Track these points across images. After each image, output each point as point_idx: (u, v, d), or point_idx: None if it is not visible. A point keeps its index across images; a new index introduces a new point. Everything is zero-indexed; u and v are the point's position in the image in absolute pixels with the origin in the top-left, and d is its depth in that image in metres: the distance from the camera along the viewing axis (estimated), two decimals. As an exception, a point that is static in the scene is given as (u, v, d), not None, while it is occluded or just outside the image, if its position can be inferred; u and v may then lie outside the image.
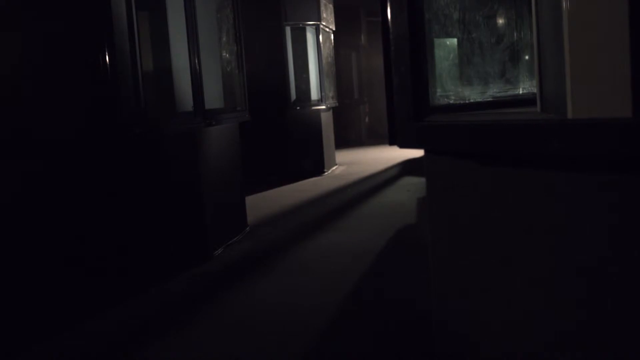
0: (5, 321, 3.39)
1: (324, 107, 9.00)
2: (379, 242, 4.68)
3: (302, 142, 8.74)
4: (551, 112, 1.62)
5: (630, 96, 1.18)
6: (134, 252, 3.87)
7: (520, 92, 2.29)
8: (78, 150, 3.64)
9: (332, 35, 9.87)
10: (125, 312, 3.47)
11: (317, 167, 8.84)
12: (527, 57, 2.33)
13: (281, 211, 6.27)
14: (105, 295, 3.65)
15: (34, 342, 3.10)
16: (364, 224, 5.41)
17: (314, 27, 8.95)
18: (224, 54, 5.27)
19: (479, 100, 2.21)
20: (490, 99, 2.23)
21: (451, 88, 2.26)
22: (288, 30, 8.72)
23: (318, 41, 9.02)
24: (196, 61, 4.48)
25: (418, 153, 9.48)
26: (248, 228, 5.41)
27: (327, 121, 9.25)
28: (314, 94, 9.16)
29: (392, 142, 1.67)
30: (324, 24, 9.05)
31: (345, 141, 13.04)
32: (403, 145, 1.64)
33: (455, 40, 2.26)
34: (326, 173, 8.89)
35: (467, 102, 2.20)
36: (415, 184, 7.38)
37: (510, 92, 2.28)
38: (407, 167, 9.07)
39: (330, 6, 9.64)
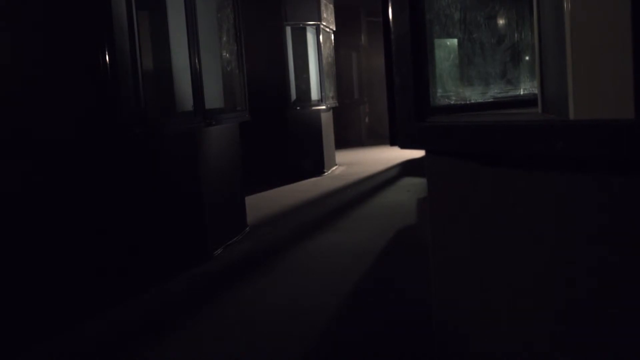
0: (5, 321, 3.38)
1: (324, 107, 8.99)
2: (379, 243, 4.68)
3: (302, 142, 8.74)
4: (552, 113, 1.62)
5: (633, 97, 1.17)
6: (133, 252, 3.87)
7: (521, 92, 2.29)
8: (78, 150, 3.64)
9: (332, 36, 9.87)
10: (125, 312, 3.47)
11: (317, 167, 8.84)
12: (527, 58, 2.33)
13: (281, 211, 6.26)
14: (105, 295, 3.65)
15: (34, 342, 3.09)
16: (364, 224, 5.41)
17: (314, 27, 8.95)
18: (224, 54, 5.27)
19: (480, 101, 2.21)
20: (491, 100, 2.22)
21: (452, 89, 2.25)
22: (288, 30, 8.72)
23: (318, 41, 9.02)
24: (196, 61, 4.47)
25: (418, 154, 9.49)
26: (248, 228, 5.41)
27: (327, 121, 9.25)
28: (314, 94, 9.16)
29: (393, 143, 1.66)
30: (324, 24, 9.04)
31: (345, 141, 13.04)
32: (404, 145, 1.63)
33: (455, 41, 2.25)
34: (326, 173, 8.89)
35: (467, 102, 2.19)
36: (415, 185, 7.38)
37: (511, 93, 2.28)
38: (407, 168, 9.07)
39: (331, 6, 9.64)
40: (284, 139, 8.64)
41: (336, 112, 10.25)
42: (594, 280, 1.43)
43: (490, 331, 1.76)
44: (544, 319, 1.58)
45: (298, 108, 8.73)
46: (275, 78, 8.55)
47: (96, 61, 3.54)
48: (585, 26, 1.34)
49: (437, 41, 2.18)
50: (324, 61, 9.09)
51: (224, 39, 5.26)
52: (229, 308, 3.45)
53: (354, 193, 7.17)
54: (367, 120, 14.57)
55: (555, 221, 1.49)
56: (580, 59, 1.35)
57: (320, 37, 9.00)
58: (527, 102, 2.18)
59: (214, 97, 4.97)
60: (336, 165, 9.73)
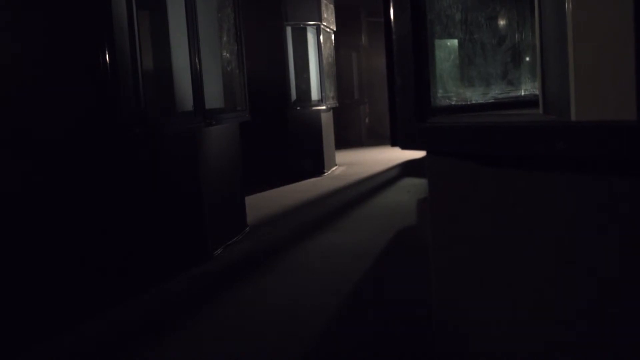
0: (5, 321, 3.38)
1: (324, 107, 8.99)
2: (379, 243, 4.67)
3: (302, 142, 8.73)
4: (554, 114, 1.62)
5: (635, 98, 1.17)
6: (133, 252, 3.86)
7: (522, 93, 2.28)
8: (78, 150, 3.63)
9: (332, 36, 9.87)
10: (125, 312, 3.46)
11: (317, 168, 8.83)
12: (527, 59, 2.33)
13: (281, 211, 6.26)
14: (105, 295, 3.65)
15: (34, 342, 3.09)
16: (364, 224, 5.41)
17: (314, 27, 8.95)
18: (225, 54, 5.27)
19: (481, 101, 2.20)
20: (492, 101, 2.22)
21: (453, 89, 2.25)
22: (289, 30, 8.71)
23: (319, 41, 9.01)
24: (196, 60, 4.47)
25: (418, 154, 9.49)
26: (248, 228, 5.41)
27: (327, 121, 9.24)
28: (314, 94, 9.16)
29: (394, 143, 1.66)
30: (324, 24, 9.04)
31: (345, 141, 13.04)
32: (405, 146, 1.63)
33: (456, 41, 2.25)
34: (326, 173, 8.89)
35: (468, 103, 2.19)
36: (415, 185, 7.37)
37: (512, 94, 2.28)
38: (407, 168, 9.07)
39: (331, 6, 9.64)
40: (284, 139, 8.64)
41: (336, 112, 10.25)
42: (594, 281, 1.43)
43: (491, 331, 1.76)
44: (544, 319, 1.57)
45: (298, 108, 8.73)
46: (276, 78, 8.55)
47: (96, 61, 3.54)
48: (587, 27, 1.34)
49: (437, 42, 2.18)
50: (324, 61, 9.08)
51: (224, 38, 5.26)
52: (229, 308, 3.45)
53: (354, 193, 7.16)
54: (367, 120, 14.56)
55: (556, 222, 1.49)
56: (582, 59, 1.35)
57: (321, 37, 8.99)
58: (528, 102, 2.18)
59: (214, 97, 4.97)
60: (336, 165, 9.73)
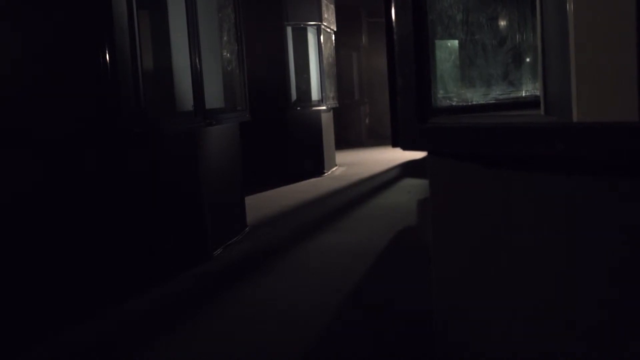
0: (5, 321, 3.37)
1: (324, 107, 8.98)
2: (379, 243, 4.67)
3: (302, 142, 8.73)
4: (555, 115, 1.61)
5: (637, 99, 1.17)
6: (133, 252, 3.86)
7: (523, 94, 2.28)
8: (78, 150, 3.63)
9: (333, 36, 9.86)
10: (125, 312, 3.46)
11: (317, 168, 8.83)
12: (528, 60, 2.32)
13: (281, 212, 6.26)
14: (105, 295, 3.64)
15: (34, 342, 3.08)
16: (364, 225, 5.40)
17: (315, 27, 8.94)
18: (225, 54, 5.26)
19: (482, 102, 2.20)
20: (493, 101, 2.22)
21: (453, 90, 2.25)
22: (289, 30, 8.71)
23: (319, 41, 9.01)
24: (197, 60, 4.46)
25: (418, 155, 9.49)
26: (248, 228, 5.40)
27: (327, 122, 9.24)
28: (315, 95, 9.15)
29: (395, 144, 1.66)
30: (325, 24, 9.03)
31: (345, 142, 13.04)
32: (406, 147, 1.63)
33: (456, 42, 2.25)
34: (326, 174, 8.88)
35: (469, 104, 2.19)
36: (415, 186, 7.37)
37: (513, 95, 2.27)
38: (407, 169, 9.07)
39: (332, 6, 9.63)
40: (284, 140, 8.63)
41: (336, 112, 10.25)
42: (596, 282, 1.42)
43: (491, 332, 1.76)
44: (545, 320, 1.57)
45: (298, 108, 8.72)
46: (276, 78, 8.54)
47: (96, 61, 3.53)
48: (589, 27, 1.34)
49: (438, 42, 2.17)
50: (325, 61, 9.07)
51: (225, 38, 5.25)
52: (229, 308, 3.44)
53: (354, 194, 7.16)
54: (367, 120, 14.56)
55: (557, 223, 1.49)
56: (584, 60, 1.35)
57: (321, 37, 8.99)
58: (529, 103, 2.17)
59: (214, 97, 4.96)
60: (336, 165, 9.72)
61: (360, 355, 2.75)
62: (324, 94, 9.01)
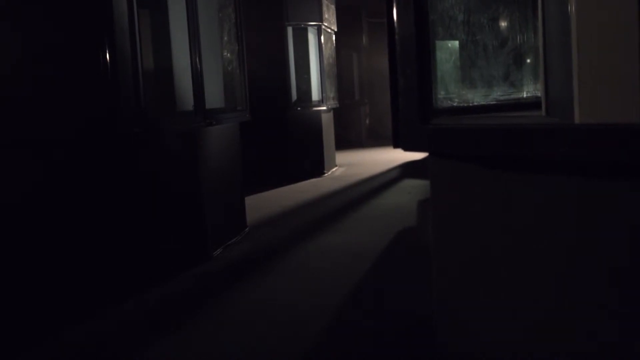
0: (4, 321, 3.37)
1: (324, 108, 8.98)
2: (379, 244, 4.66)
3: (303, 142, 8.72)
4: (557, 116, 1.61)
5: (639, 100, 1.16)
6: (133, 252, 3.85)
7: (524, 95, 2.27)
8: (78, 150, 3.62)
9: (333, 36, 9.86)
10: (125, 312, 3.45)
11: (317, 168, 8.82)
12: (528, 61, 2.32)
13: (281, 212, 6.25)
14: (105, 295, 3.63)
15: (34, 341, 3.08)
16: (365, 225, 5.39)
17: (315, 27, 8.94)
18: (225, 54, 5.25)
19: (483, 103, 2.20)
20: (494, 102, 2.21)
21: (454, 91, 2.24)
22: (290, 30, 8.70)
23: (320, 42, 9.00)
24: (197, 60, 4.46)
25: (418, 155, 9.48)
26: (247, 229, 5.40)
27: (327, 122, 9.23)
28: (315, 95, 9.14)
29: (396, 145, 1.65)
30: (325, 24, 9.03)
31: (345, 142, 13.03)
32: (408, 148, 1.62)
33: (457, 43, 2.24)
34: (326, 174, 8.87)
35: (470, 105, 2.18)
36: (415, 187, 7.36)
37: (514, 96, 2.27)
38: (407, 169, 9.06)
39: (332, 7, 9.63)
40: (284, 140, 8.62)
41: (336, 112, 10.24)
42: (598, 284, 1.42)
43: (492, 333, 1.75)
44: (546, 322, 1.56)
45: (299, 108, 8.72)
46: (276, 78, 8.53)
47: (96, 61, 3.53)
48: (592, 28, 1.33)
49: (439, 43, 2.17)
50: (325, 62, 9.07)
51: (225, 38, 5.25)
52: (229, 308, 3.44)
53: (354, 194, 7.15)
54: (367, 121, 14.55)
55: (558, 224, 1.48)
56: (586, 61, 1.34)
57: (322, 37, 8.98)
58: (530, 104, 2.17)
59: (214, 96, 4.95)
60: (336, 166, 9.72)
61: (360, 355, 2.74)
62: (324, 94, 9.01)
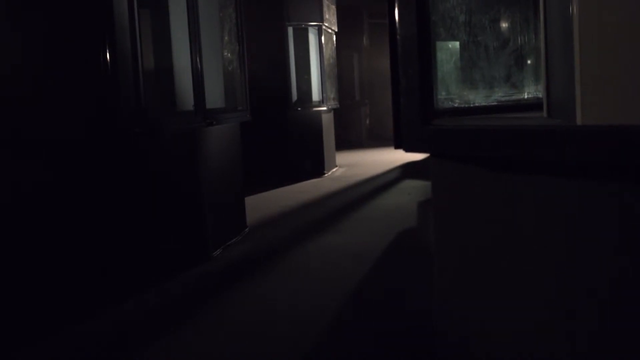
0: (4, 321, 3.36)
1: (325, 108, 8.98)
2: (379, 245, 4.66)
3: (303, 143, 8.72)
4: (558, 118, 1.60)
5: (642, 103, 1.16)
6: (132, 252, 3.84)
7: (526, 96, 2.27)
8: (77, 150, 3.62)
9: (334, 37, 9.85)
10: (124, 312, 3.45)
11: (317, 169, 8.82)
12: (529, 62, 2.31)
13: (281, 212, 6.25)
14: (104, 295, 3.63)
15: (33, 341, 3.07)
16: (365, 226, 5.39)
17: (316, 28, 8.93)
18: (226, 54, 5.25)
19: (484, 104, 2.19)
20: (495, 103, 2.21)
21: (455, 92, 2.24)
22: (290, 30, 8.70)
23: (320, 42, 9.00)
24: (198, 60, 4.45)
25: (418, 156, 9.48)
26: (247, 229, 5.39)
27: (327, 122, 9.23)
28: (315, 95, 9.14)
29: (398, 146, 1.64)
30: (326, 24, 9.03)
31: (345, 143, 13.03)
32: (409, 149, 1.62)
33: (458, 44, 2.24)
34: (326, 175, 8.87)
35: (471, 106, 2.18)
36: (415, 187, 7.36)
37: (515, 97, 2.26)
38: (407, 170, 9.06)
39: (333, 7, 9.63)
40: (285, 140, 8.62)
41: (337, 113, 10.24)
42: (598, 284, 1.41)
43: (493, 333, 1.75)
44: (548, 322, 1.56)
45: (299, 109, 8.72)
46: (277, 78, 8.53)
47: (97, 60, 3.52)
48: (594, 29, 1.33)
49: (440, 44, 2.16)
50: (326, 62, 9.07)
51: (226, 38, 5.24)
52: (228, 309, 3.43)
53: (354, 195, 7.15)
54: (367, 121, 14.55)
55: (560, 225, 1.48)
56: (588, 62, 1.34)
57: (322, 38, 8.98)
58: (531, 106, 2.17)
59: (215, 96, 4.95)
60: (336, 166, 9.72)
61: (361, 355, 2.74)
62: (324, 95, 9.00)
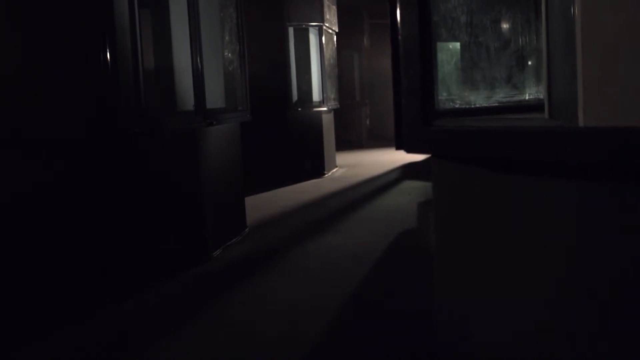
0: (4, 320, 3.36)
1: (325, 108, 8.97)
2: (379, 245, 4.65)
3: (303, 143, 8.71)
4: (560, 119, 1.60)
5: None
6: (132, 252, 3.84)
7: (527, 97, 2.27)
8: (77, 149, 3.61)
9: (334, 37, 9.85)
10: (124, 312, 3.44)
11: (317, 169, 8.81)
12: (530, 63, 2.31)
13: (281, 212, 6.24)
14: (104, 295, 3.62)
15: (34, 340, 3.07)
16: (365, 226, 5.39)
17: (317, 28, 8.93)
18: (226, 53, 5.25)
19: (485, 105, 2.19)
20: (496, 104, 2.21)
21: (456, 92, 2.23)
22: (291, 30, 8.69)
23: (321, 42, 9.00)
24: (198, 60, 4.45)
25: (418, 157, 9.47)
26: (247, 229, 5.39)
27: (328, 123, 9.22)
28: (316, 96, 9.13)
29: (399, 147, 1.64)
30: (327, 25, 9.02)
31: (345, 143, 13.02)
32: (410, 149, 1.61)
33: (459, 44, 2.24)
34: (326, 175, 8.87)
35: (472, 106, 2.17)
36: (415, 188, 7.36)
37: (516, 98, 2.26)
38: (407, 171, 9.05)
39: (334, 7, 9.62)
40: (285, 140, 8.61)
41: (337, 113, 10.23)
42: (596, 284, 1.41)
43: (494, 334, 1.74)
44: (548, 323, 1.56)
45: (299, 109, 8.71)
46: (277, 79, 8.52)
47: (97, 60, 3.52)
48: (596, 30, 1.32)
49: (441, 44, 2.16)
50: (326, 62, 9.06)
51: (226, 38, 5.24)
52: (228, 309, 3.43)
53: (354, 195, 7.14)
54: (367, 122, 14.55)
55: (562, 227, 1.47)
56: (590, 63, 1.33)
57: (323, 38, 8.98)
58: (532, 107, 2.16)
59: (215, 96, 4.95)
60: (336, 167, 9.71)
61: (361, 356, 2.74)
62: (325, 95, 9.00)
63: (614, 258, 1.36)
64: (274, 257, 4.49)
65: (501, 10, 2.29)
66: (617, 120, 1.27)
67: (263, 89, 8.12)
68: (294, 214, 6.16)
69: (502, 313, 1.69)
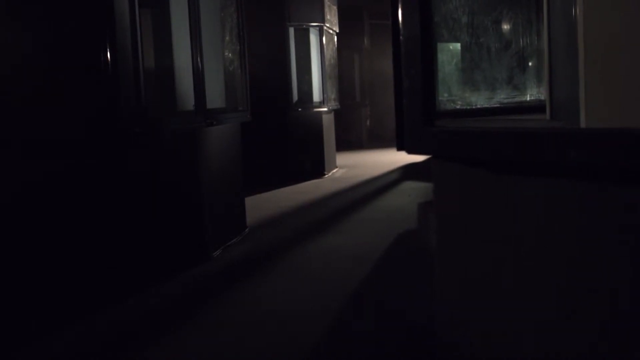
0: (4, 321, 3.35)
1: (325, 109, 8.97)
2: (379, 246, 4.65)
3: (303, 143, 8.71)
4: (561, 120, 1.60)
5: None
6: (132, 252, 3.84)
7: (528, 98, 2.26)
8: (77, 149, 3.61)
9: (335, 37, 9.85)
10: (124, 312, 3.44)
11: (318, 169, 8.81)
12: (531, 64, 2.31)
13: (281, 213, 6.24)
14: (104, 295, 3.62)
15: (34, 340, 3.07)
16: (365, 227, 5.38)
17: (317, 28, 8.93)
18: (227, 53, 5.24)
19: (486, 106, 2.19)
20: (497, 105, 2.20)
21: (457, 93, 2.23)
22: (291, 31, 8.69)
23: (321, 43, 9.00)
24: (198, 60, 4.45)
25: (418, 158, 9.46)
26: (247, 229, 5.39)
27: (328, 123, 9.22)
28: (316, 96, 9.13)
29: (400, 147, 1.64)
30: (327, 25, 9.02)
31: (345, 143, 13.02)
32: (411, 150, 1.61)
33: (460, 45, 2.23)
34: (326, 175, 8.87)
35: (473, 107, 2.17)
36: (416, 189, 7.35)
37: (517, 99, 2.26)
38: (407, 171, 9.05)
39: (334, 8, 9.62)
40: (285, 140, 8.61)
41: (337, 114, 10.23)
42: (597, 285, 1.41)
43: (495, 335, 1.74)
44: (547, 323, 1.55)
45: (299, 109, 8.71)
46: (277, 79, 8.52)
47: (97, 60, 3.52)
48: (598, 31, 1.32)
49: (442, 45, 2.16)
50: (327, 63, 9.06)
51: (227, 38, 5.24)
52: (228, 309, 3.43)
53: (354, 196, 7.14)
54: (368, 122, 14.54)
55: (563, 228, 1.47)
56: (592, 64, 1.33)
57: (323, 38, 8.98)
58: (533, 108, 2.16)
59: (215, 96, 4.94)
60: (337, 167, 9.71)
61: (361, 356, 2.73)
62: (325, 96, 9.00)
63: (614, 258, 1.36)
64: (274, 258, 4.49)
65: (502, 11, 2.29)
66: (619, 121, 1.27)
67: (263, 89, 8.12)
68: (294, 214, 6.16)
69: (502, 313, 1.69)
